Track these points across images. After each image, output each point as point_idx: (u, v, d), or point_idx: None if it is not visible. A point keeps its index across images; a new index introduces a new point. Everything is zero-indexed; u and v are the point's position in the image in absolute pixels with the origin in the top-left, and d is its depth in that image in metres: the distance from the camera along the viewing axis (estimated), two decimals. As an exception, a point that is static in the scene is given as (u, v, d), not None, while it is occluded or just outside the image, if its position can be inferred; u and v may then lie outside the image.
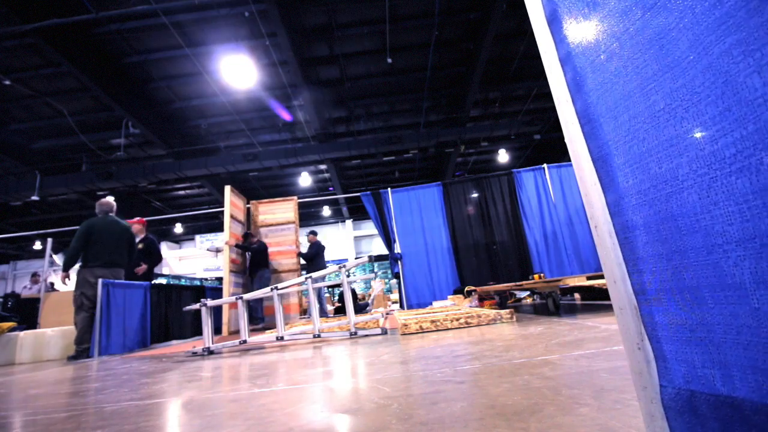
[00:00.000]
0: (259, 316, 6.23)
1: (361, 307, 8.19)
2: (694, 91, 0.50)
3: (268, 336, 3.72)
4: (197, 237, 19.08)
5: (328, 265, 7.14)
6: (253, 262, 6.39)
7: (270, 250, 6.91)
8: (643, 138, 0.58)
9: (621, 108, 0.61)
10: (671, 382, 0.58)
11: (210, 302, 3.69)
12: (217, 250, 18.60)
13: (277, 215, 7.38)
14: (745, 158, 0.44)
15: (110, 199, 5.19)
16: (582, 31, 0.69)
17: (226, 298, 3.96)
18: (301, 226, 23.26)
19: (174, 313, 6.55)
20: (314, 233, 7.37)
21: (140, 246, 5.66)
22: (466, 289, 5.87)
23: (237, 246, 6.30)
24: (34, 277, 8.12)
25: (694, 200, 0.51)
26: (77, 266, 4.72)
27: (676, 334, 0.56)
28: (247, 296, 3.79)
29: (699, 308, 0.53)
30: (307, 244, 7.25)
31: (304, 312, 7.57)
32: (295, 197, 7.52)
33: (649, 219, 0.58)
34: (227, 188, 6.45)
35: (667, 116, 0.54)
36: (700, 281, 0.52)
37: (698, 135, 0.50)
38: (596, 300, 5.19)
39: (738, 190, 0.46)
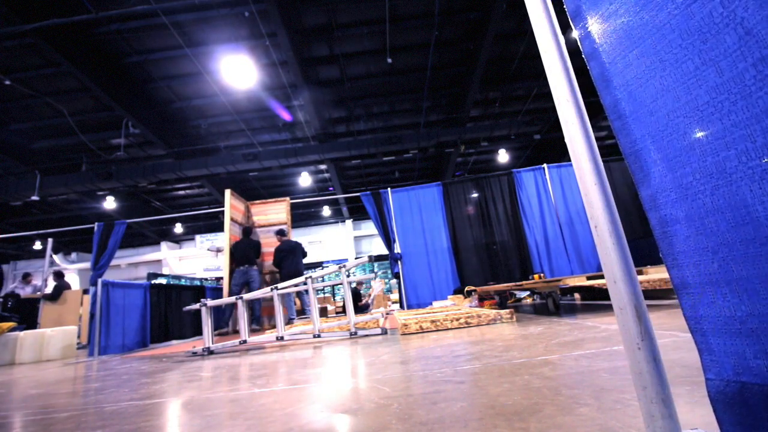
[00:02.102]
0: (257, 315, 6.19)
1: (362, 309, 8.20)
2: (744, 85, 0.49)
3: (268, 336, 3.72)
4: (197, 237, 19.07)
5: (327, 265, 7.12)
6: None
7: (263, 250, 6.91)
8: (684, 132, 0.58)
9: (658, 103, 0.61)
10: (719, 374, 0.57)
11: (210, 302, 3.69)
12: (218, 250, 18.59)
13: (270, 216, 7.37)
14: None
15: None
16: (611, 26, 0.68)
17: (226, 298, 3.96)
18: (301, 226, 23.08)
19: (174, 313, 6.54)
20: (281, 232, 6.57)
21: None
22: (466, 289, 5.87)
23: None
24: (27, 278, 8.07)
25: (744, 192, 0.51)
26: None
27: (725, 326, 0.56)
28: (247, 296, 3.79)
29: (749, 300, 0.52)
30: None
31: (302, 312, 7.56)
32: (288, 198, 7.51)
33: (691, 213, 0.58)
34: (227, 192, 6.45)
35: (712, 110, 0.53)
36: (751, 272, 0.51)
37: (749, 128, 0.49)
38: (596, 300, 5.19)
39: None
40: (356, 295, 8.43)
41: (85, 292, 7.38)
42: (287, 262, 6.17)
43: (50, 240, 7.38)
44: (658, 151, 0.62)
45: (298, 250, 6.35)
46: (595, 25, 0.71)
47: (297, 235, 19.64)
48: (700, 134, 0.56)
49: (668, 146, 0.60)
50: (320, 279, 12.15)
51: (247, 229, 6.52)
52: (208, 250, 18.56)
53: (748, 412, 0.53)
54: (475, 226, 7.15)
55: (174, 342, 6.27)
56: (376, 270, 17.73)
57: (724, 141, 0.52)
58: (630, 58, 0.64)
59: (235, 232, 6.62)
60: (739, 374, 0.54)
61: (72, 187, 11.08)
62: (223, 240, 18.06)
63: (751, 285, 0.52)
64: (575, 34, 0.75)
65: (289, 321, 5.92)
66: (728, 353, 0.56)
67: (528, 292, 6.58)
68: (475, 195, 7.32)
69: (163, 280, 16.02)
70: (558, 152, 13.30)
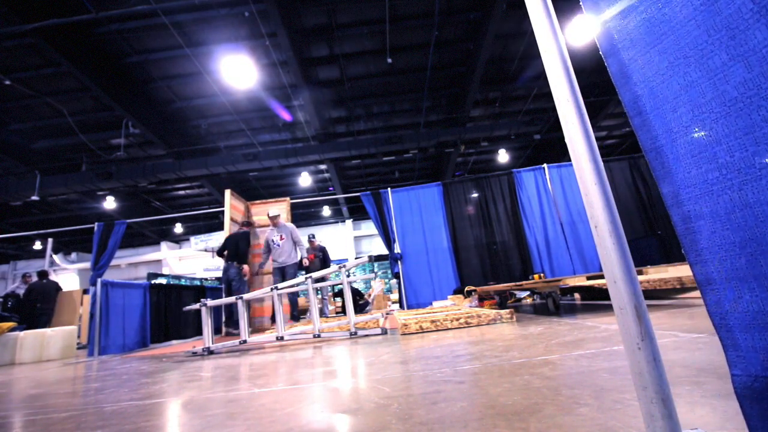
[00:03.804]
0: (234, 319, 6.00)
1: (361, 306, 8.19)
2: None
3: (268, 336, 3.72)
4: (192, 238, 19.02)
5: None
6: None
7: (263, 251, 6.91)
8: (710, 128, 0.57)
9: (682, 99, 0.61)
10: (746, 370, 0.57)
11: (210, 302, 3.69)
12: (213, 250, 18.56)
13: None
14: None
15: None
16: (630, 22, 0.67)
17: (226, 298, 3.96)
18: (301, 226, 23.06)
19: (174, 313, 6.54)
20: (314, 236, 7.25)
21: None
22: (466, 289, 5.87)
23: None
24: (25, 278, 8.06)
25: None
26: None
27: (753, 321, 0.55)
28: (248, 296, 3.79)
29: None
30: (315, 249, 7.13)
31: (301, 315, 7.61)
32: (288, 198, 7.51)
33: (717, 208, 0.58)
34: (227, 192, 6.44)
35: (741, 105, 0.53)
36: None
37: None
38: (596, 300, 5.19)
39: None
40: (357, 294, 8.43)
41: (85, 292, 7.38)
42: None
43: (50, 240, 7.38)
44: (682, 147, 0.62)
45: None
46: (613, 22, 0.71)
47: (297, 235, 19.61)
48: (727, 130, 0.55)
49: (692, 142, 0.60)
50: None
51: (246, 223, 6.39)
52: (204, 250, 18.53)
53: None
54: (475, 226, 7.15)
55: (174, 342, 6.27)
56: (376, 270, 17.72)
57: (754, 136, 0.52)
58: (651, 54, 0.64)
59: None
60: (767, 369, 0.54)
61: (72, 187, 11.08)
62: (217, 240, 18.09)
63: None
64: (593, 31, 0.74)
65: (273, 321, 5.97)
66: (756, 348, 0.55)
67: (528, 292, 6.58)
68: (475, 195, 7.32)
69: (163, 280, 16.02)
70: (558, 152, 13.30)
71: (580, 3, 0.77)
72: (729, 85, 0.54)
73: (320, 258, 7.21)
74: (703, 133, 0.59)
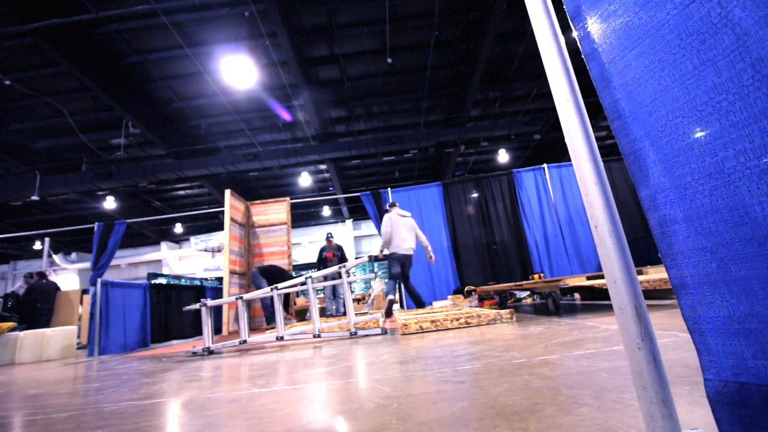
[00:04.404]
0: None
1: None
2: (742, 85, 0.49)
3: (268, 336, 3.72)
4: (192, 238, 19.01)
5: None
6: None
7: (263, 251, 6.91)
8: (683, 132, 0.58)
9: (657, 103, 0.61)
10: (717, 375, 0.57)
11: (210, 302, 3.69)
12: (217, 250, 18.56)
13: (270, 216, 7.35)
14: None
15: None
16: (610, 26, 0.68)
17: (226, 298, 3.96)
18: (301, 226, 23.03)
19: (174, 313, 6.54)
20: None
21: None
22: (466, 289, 5.87)
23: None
24: (27, 278, 8.06)
25: (743, 193, 0.51)
26: None
27: (723, 326, 0.56)
28: (248, 296, 3.79)
29: (748, 300, 0.52)
30: (332, 248, 7.22)
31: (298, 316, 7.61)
32: (288, 198, 7.51)
33: (690, 213, 0.58)
34: (227, 192, 6.44)
35: (711, 110, 0.53)
36: (750, 273, 0.51)
37: (747, 128, 0.49)
38: (596, 300, 5.19)
39: None
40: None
41: (85, 292, 7.38)
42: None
43: (47, 240, 7.37)
44: (657, 151, 0.62)
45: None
46: (594, 25, 0.71)
47: (297, 235, 19.63)
48: (698, 134, 0.56)
49: (667, 146, 0.60)
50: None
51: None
52: (204, 250, 18.52)
53: (747, 412, 0.53)
54: (475, 226, 7.15)
55: (174, 342, 6.27)
56: (376, 270, 17.71)
57: (723, 141, 0.52)
58: (629, 58, 0.65)
59: (235, 232, 6.61)
60: (737, 375, 0.54)
61: (72, 187, 11.08)
62: (217, 240, 18.08)
63: (750, 285, 0.52)
64: (575, 34, 0.75)
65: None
66: (727, 354, 0.56)
67: (528, 292, 6.58)
68: (475, 195, 7.32)
69: (163, 280, 16.02)
70: (558, 152, 13.31)
71: (563, 6, 0.77)
72: (700, 90, 0.55)
73: (338, 257, 7.17)
74: (676, 138, 0.59)
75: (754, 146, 0.49)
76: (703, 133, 0.55)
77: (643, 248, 6.33)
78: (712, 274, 0.56)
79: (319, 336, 3.61)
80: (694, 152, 0.56)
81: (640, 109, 0.64)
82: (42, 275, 7.14)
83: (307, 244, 20.23)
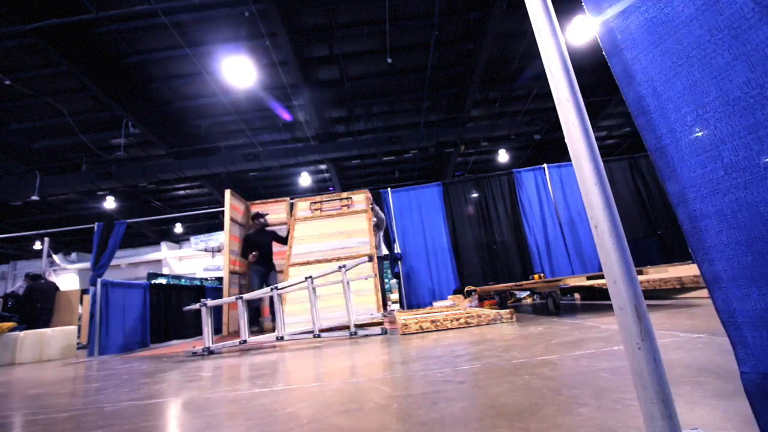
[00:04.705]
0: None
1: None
2: None
3: (268, 336, 3.72)
4: (192, 238, 19.01)
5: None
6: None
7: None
8: (714, 127, 0.58)
9: (685, 98, 0.61)
10: (755, 367, 0.57)
11: (210, 302, 3.69)
12: (217, 250, 18.58)
13: (270, 216, 7.36)
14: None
15: None
16: (633, 22, 0.67)
17: (226, 298, 3.96)
18: (301, 226, 22.86)
19: (174, 313, 6.54)
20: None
21: None
22: (466, 289, 5.87)
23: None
24: (28, 278, 8.05)
25: None
26: None
27: (761, 319, 0.56)
28: (247, 296, 3.79)
29: None
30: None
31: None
32: (288, 198, 7.51)
33: (723, 207, 0.58)
34: (227, 192, 6.43)
35: (744, 104, 0.53)
36: None
37: None
38: (596, 300, 5.19)
39: None
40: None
41: (85, 292, 7.38)
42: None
43: (47, 240, 7.37)
44: (686, 146, 0.62)
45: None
46: (616, 22, 0.71)
47: (297, 235, 19.58)
48: (731, 129, 0.56)
49: (697, 141, 0.60)
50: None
51: (256, 215, 6.23)
52: (204, 250, 18.52)
53: None
54: (475, 226, 7.15)
55: (174, 342, 6.27)
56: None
57: (758, 135, 0.52)
58: (654, 54, 0.64)
59: (235, 232, 6.61)
60: None
61: (72, 187, 11.07)
62: (217, 240, 18.06)
63: None
64: (595, 31, 0.74)
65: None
66: (764, 346, 0.56)
67: (528, 292, 6.58)
68: (475, 195, 7.32)
69: (163, 280, 16.00)
70: (558, 152, 13.29)
71: (582, 3, 0.77)
72: (732, 85, 0.55)
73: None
74: (707, 133, 0.59)
75: None
76: (736, 128, 0.55)
77: (643, 248, 6.34)
78: (748, 268, 0.56)
79: (319, 336, 3.61)
80: (727, 146, 0.56)
81: (667, 104, 0.64)
82: (37, 277, 7.13)
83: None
